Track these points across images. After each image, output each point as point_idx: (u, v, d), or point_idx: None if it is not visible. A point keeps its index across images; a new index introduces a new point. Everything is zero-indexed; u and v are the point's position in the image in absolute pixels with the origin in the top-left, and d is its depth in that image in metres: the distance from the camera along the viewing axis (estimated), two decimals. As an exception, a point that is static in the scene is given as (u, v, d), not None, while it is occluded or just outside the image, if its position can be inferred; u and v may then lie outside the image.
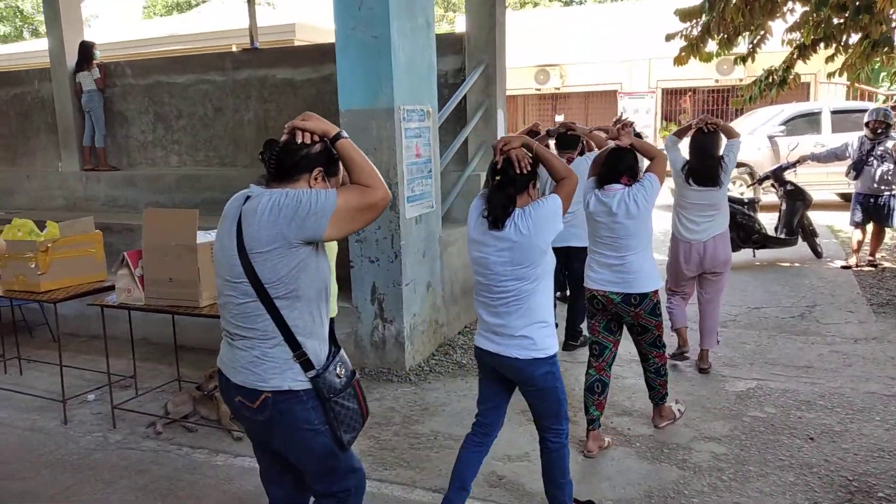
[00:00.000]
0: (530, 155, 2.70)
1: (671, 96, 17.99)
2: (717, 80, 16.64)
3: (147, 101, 7.80)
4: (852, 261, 7.41)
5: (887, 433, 3.78)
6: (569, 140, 5.08)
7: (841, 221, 9.45)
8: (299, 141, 2.08)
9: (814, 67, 8.79)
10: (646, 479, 3.39)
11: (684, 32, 7.53)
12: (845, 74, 7.72)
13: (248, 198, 2.08)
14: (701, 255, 4.58)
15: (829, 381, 4.52)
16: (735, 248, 7.48)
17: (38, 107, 8.40)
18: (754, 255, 7.79)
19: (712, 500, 3.20)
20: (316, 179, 2.11)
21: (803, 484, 3.30)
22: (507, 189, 2.64)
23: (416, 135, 4.92)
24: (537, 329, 2.70)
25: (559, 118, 18.25)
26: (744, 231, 7.47)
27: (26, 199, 8.14)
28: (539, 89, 19.08)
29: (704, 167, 4.51)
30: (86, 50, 7.78)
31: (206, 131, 7.57)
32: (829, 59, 7.55)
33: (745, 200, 7.72)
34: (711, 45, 7.60)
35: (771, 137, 11.29)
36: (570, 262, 5.15)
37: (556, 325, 2.84)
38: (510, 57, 18.96)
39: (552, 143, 5.08)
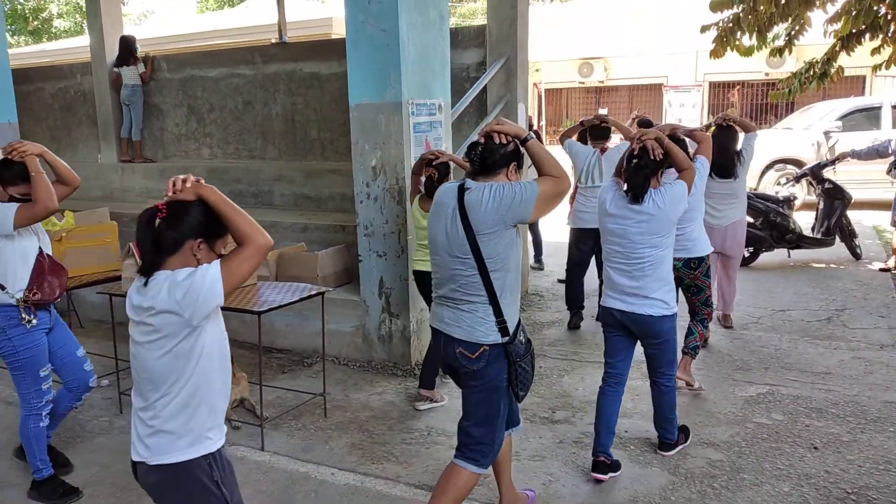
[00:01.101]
0: (661, 147, 3.24)
1: (719, 90, 17.46)
2: (766, 74, 16.08)
3: (181, 95, 7.98)
4: (891, 263, 7.08)
5: (899, 445, 3.61)
6: (602, 131, 5.60)
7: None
8: (497, 142, 2.57)
9: (869, 60, 8.38)
10: (634, 483, 3.32)
11: (719, 24, 7.30)
12: (893, 67, 7.36)
13: (462, 189, 2.57)
14: (723, 237, 5.12)
15: (846, 388, 4.34)
16: (768, 247, 7.29)
17: (80, 100, 8.69)
18: (789, 256, 7.52)
19: (699, 507, 3.11)
20: (511, 172, 2.61)
21: (798, 495, 3.18)
22: (644, 171, 3.18)
23: (427, 129, 4.91)
24: (667, 292, 3.28)
25: (602, 111, 17.95)
26: (777, 230, 7.22)
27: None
28: (583, 82, 18.80)
29: (726, 161, 5.02)
30: (128, 44, 8.00)
31: (237, 124, 7.71)
32: (875, 50, 7.21)
33: (780, 199, 7.44)
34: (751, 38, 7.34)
35: (827, 133, 10.83)
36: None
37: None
38: (553, 49, 18.74)
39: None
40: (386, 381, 4.68)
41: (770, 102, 16.55)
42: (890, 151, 7.03)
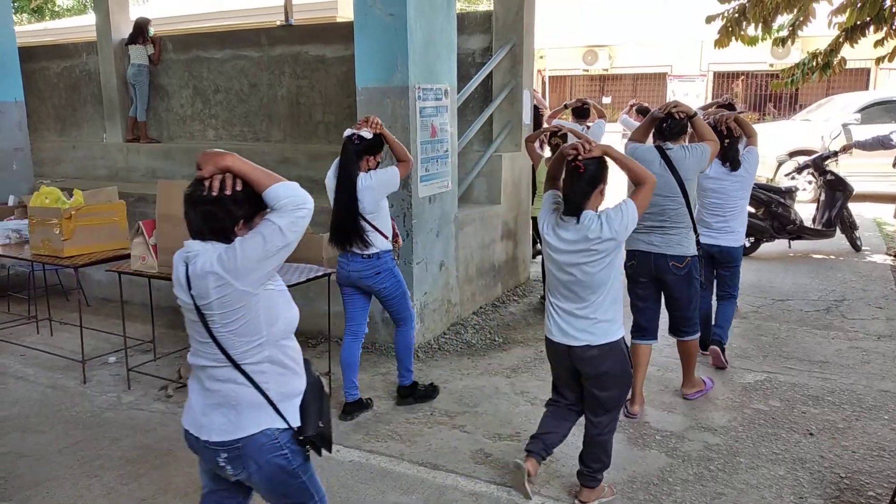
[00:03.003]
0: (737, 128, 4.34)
1: (723, 80, 17.44)
2: (771, 64, 16.01)
3: (187, 76, 7.99)
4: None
5: (893, 433, 3.67)
6: (583, 111, 6.95)
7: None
8: (678, 118, 3.70)
9: (873, 53, 8.37)
10: (632, 464, 3.39)
11: (725, 14, 7.29)
12: (896, 60, 7.36)
13: (661, 149, 3.68)
14: None
15: (843, 377, 4.40)
16: (769, 238, 7.33)
17: (86, 79, 8.70)
18: (789, 246, 7.57)
19: (696, 489, 3.18)
20: (686, 137, 3.79)
21: (792, 478, 3.25)
22: (734, 146, 4.30)
23: (433, 114, 4.94)
24: (745, 224, 4.53)
25: (606, 100, 17.92)
26: (779, 221, 7.25)
27: (72, 167, 8.48)
28: (587, 70, 18.74)
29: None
30: (140, 25, 7.99)
31: (242, 106, 7.72)
32: (879, 43, 7.21)
33: (783, 189, 7.47)
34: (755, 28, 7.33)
35: (845, 125, 10.81)
36: None
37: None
38: (557, 36, 18.59)
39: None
40: (389, 363, 4.73)
41: (773, 93, 16.56)
42: (894, 143, 7.05)
